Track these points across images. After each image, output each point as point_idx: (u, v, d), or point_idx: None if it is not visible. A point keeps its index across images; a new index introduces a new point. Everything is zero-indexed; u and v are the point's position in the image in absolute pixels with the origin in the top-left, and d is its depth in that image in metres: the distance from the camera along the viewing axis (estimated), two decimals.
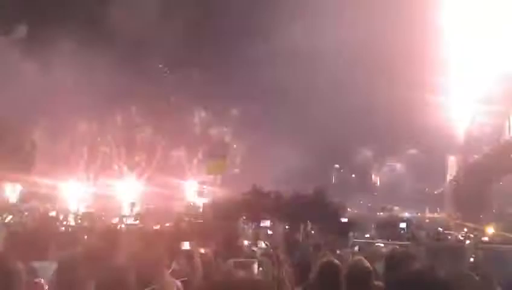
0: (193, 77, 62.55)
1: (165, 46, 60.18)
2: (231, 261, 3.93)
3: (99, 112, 56.58)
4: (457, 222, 55.00)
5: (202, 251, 6.75)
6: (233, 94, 62.67)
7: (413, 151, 72.37)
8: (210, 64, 61.86)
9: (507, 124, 56.39)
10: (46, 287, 4.10)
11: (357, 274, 4.01)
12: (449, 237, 29.12)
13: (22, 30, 53.33)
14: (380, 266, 4.86)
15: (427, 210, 73.37)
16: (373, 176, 78.03)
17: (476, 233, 33.59)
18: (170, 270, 4.97)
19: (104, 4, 56.99)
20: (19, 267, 3.62)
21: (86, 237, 7.51)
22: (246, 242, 9.81)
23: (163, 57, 63.38)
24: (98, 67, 52.12)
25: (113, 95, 58.31)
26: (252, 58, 60.74)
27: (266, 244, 9.00)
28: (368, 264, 4.43)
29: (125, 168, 58.77)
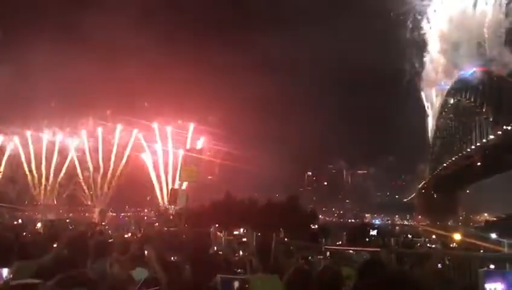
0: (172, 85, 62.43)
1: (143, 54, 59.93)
2: (218, 276, 3.92)
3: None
4: (426, 228, 56.19)
5: (172, 258, 6.74)
6: (210, 102, 62.93)
7: (384, 159, 73.68)
8: (188, 72, 62.08)
9: (473, 134, 58.13)
10: None
11: (328, 279, 4.06)
12: (418, 244, 29.71)
13: None
14: (349, 271, 4.92)
15: (396, 217, 74.86)
16: (345, 184, 79.00)
17: (443, 240, 34.40)
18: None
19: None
20: None
21: (54, 245, 7.33)
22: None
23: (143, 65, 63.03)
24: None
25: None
26: (230, 68, 61.32)
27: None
28: (338, 269, 4.49)
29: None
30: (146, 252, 6.21)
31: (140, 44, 58.55)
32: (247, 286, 2.09)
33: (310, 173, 79.61)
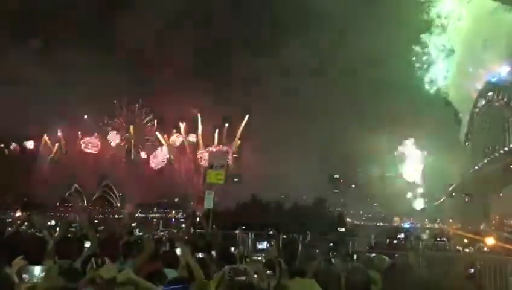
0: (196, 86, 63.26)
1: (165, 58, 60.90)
2: (227, 267, 3.96)
3: None
4: (457, 232, 54.86)
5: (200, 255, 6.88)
6: (238, 105, 63.49)
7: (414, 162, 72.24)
8: (214, 74, 62.70)
9: (507, 135, 56.53)
10: None
11: (356, 280, 4.05)
12: (447, 247, 29.07)
13: None
14: (374, 275, 4.88)
15: (426, 221, 73.26)
16: (373, 187, 77.87)
17: (475, 244, 33.49)
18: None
19: None
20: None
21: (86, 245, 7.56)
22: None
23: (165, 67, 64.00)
24: None
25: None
26: (260, 71, 61.58)
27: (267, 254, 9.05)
28: (365, 270, 4.47)
29: None
30: (178, 250, 6.33)
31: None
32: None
33: (338, 176, 78.80)
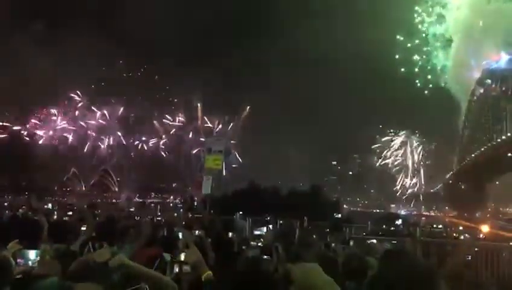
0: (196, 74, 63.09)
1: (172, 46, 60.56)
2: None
3: None
4: (453, 220, 55.25)
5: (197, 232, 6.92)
6: (235, 92, 63.30)
7: (410, 149, 72.42)
8: (214, 64, 62.38)
9: (504, 124, 56.63)
10: None
11: (354, 267, 4.04)
12: (444, 234, 29.22)
13: None
14: (372, 261, 4.88)
15: (422, 208, 73.76)
16: (370, 174, 78.13)
17: (471, 231, 33.74)
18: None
19: None
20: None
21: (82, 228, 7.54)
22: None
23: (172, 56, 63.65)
24: None
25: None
26: (257, 60, 61.22)
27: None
28: (362, 256, 4.46)
29: None
30: (180, 234, 6.30)
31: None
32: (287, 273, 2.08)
33: (335, 163, 79.00)
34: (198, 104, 65.54)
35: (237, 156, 63.21)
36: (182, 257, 5.04)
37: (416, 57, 63.09)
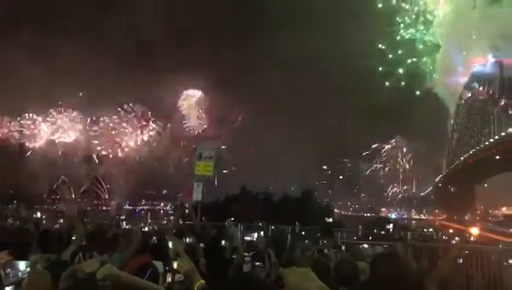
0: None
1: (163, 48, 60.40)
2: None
3: None
4: (443, 223, 55.65)
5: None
6: (226, 97, 63.23)
7: (400, 154, 72.89)
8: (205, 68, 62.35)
9: (492, 127, 57.26)
10: None
11: (345, 272, 4.05)
12: (434, 237, 29.49)
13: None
14: (363, 266, 4.89)
15: (413, 211, 74.19)
16: (360, 178, 78.47)
17: (461, 234, 34.00)
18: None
19: None
20: None
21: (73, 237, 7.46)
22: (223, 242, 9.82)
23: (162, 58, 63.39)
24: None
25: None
26: (247, 64, 61.35)
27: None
28: (354, 261, 4.47)
29: None
30: (170, 243, 6.26)
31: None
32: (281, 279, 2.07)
33: (326, 167, 79.24)
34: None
35: (229, 161, 63.12)
36: (175, 265, 5.01)
37: (404, 63, 63.76)
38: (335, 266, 4.17)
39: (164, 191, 70.55)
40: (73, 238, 7.66)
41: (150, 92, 63.17)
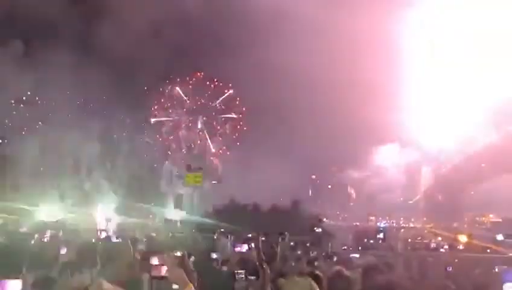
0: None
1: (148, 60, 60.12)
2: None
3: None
4: (432, 231, 56.01)
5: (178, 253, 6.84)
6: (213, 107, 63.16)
7: (388, 162, 73.33)
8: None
9: (478, 134, 58.05)
10: None
11: (339, 284, 4.06)
12: (423, 247, 29.67)
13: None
14: (353, 276, 4.91)
15: (401, 220, 74.48)
16: (349, 187, 78.72)
17: (449, 242, 34.32)
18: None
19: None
20: None
21: (62, 252, 7.32)
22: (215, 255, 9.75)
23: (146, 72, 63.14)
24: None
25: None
26: (232, 73, 61.49)
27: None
28: (348, 273, 4.49)
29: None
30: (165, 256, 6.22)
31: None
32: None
33: (314, 176, 79.36)
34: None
35: (218, 172, 62.88)
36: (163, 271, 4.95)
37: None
38: (329, 278, 4.18)
39: (152, 204, 69.96)
40: (62, 253, 7.57)
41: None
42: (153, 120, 61.82)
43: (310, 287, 2.04)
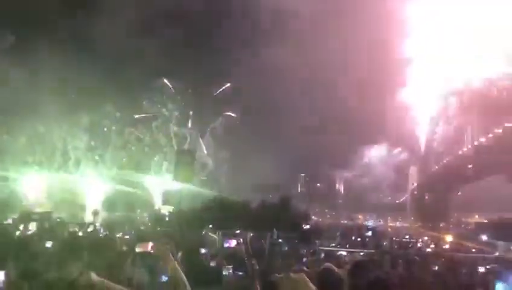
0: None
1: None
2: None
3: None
4: (419, 230, 56.55)
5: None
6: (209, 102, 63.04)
7: (376, 161, 73.88)
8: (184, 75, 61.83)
9: (465, 137, 58.73)
10: None
11: (329, 281, 4.06)
12: (410, 245, 29.89)
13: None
14: (344, 273, 4.92)
15: (389, 219, 75.24)
16: (337, 185, 79.24)
17: (436, 241, 34.65)
18: None
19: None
20: None
21: (48, 245, 7.24)
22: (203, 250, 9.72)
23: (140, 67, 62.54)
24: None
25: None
26: (223, 72, 61.42)
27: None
28: (337, 270, 4.49)
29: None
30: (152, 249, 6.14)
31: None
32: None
33: (304, 174, 79.74)
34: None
35: (209, 167, 62.70)
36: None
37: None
38: (319, 275, 4.17)
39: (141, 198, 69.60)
40: (48, 245, 7.50)
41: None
42: (136, 116, 61.10)
43: (306, 284, 2.04)
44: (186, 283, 3.61)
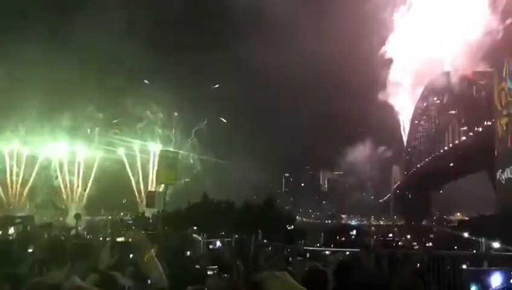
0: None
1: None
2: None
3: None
4: (402, 229, 57.20)
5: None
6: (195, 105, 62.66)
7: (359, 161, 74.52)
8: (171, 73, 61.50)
9: (446, 136, 59.55)
10: None
11: (314, 281, 4.06)
12: (393, 244, 30.27)
13: None
14: (329, 272, 4.93)
15: (372, 218, 75.88)
16: (321, 185, 79.65)
17: (419, 239, 35.08)
18: None
19: None
20: None
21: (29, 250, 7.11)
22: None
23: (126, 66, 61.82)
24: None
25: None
26: (210, 71, 61.34)
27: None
28: (324, 270, 4.50)
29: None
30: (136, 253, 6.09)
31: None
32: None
33: (288, 175, 79.94)
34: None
35: (193, 169, 62.29)
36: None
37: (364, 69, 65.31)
38: (304, 276, 4.17)
39: (124, 201, 68.87)
40: (30, 250, 7.35)
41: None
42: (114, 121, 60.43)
43: (290, 282, 2.04)
44: (163, 273, 3.60)
